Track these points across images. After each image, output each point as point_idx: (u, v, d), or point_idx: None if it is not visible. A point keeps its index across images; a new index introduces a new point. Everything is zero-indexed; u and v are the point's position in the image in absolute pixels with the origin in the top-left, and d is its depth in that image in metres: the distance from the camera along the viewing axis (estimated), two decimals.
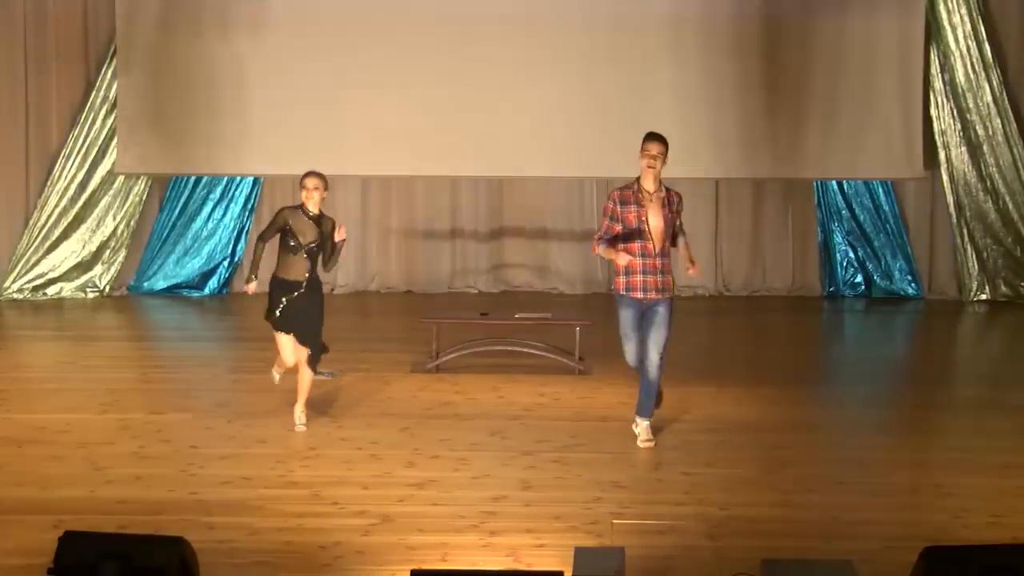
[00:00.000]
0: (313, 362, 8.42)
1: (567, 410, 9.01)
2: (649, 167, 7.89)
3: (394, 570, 6.07)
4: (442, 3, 12.42)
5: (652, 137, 7.95)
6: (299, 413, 8.45)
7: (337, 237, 8.26)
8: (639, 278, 7.93)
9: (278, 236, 8.26)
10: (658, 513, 6.97)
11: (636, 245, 7.89)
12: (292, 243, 8.21)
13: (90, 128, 12.95)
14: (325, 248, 8.29)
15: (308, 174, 8.25)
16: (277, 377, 8.76)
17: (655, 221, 7.89)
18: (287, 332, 8.36)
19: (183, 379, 9.96)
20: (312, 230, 8.22)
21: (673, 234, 8.03)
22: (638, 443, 8.11)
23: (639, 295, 7.94)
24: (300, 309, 8.30)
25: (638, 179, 7.96)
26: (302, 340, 8.37)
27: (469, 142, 12.39)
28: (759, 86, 12.41)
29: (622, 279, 7.98)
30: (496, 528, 6.73)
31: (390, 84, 12.37)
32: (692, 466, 7.76)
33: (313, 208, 8.20)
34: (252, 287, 8.43)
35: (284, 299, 8.28)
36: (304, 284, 8.27)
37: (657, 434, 8.25)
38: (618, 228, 7.92)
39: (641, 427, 8.18)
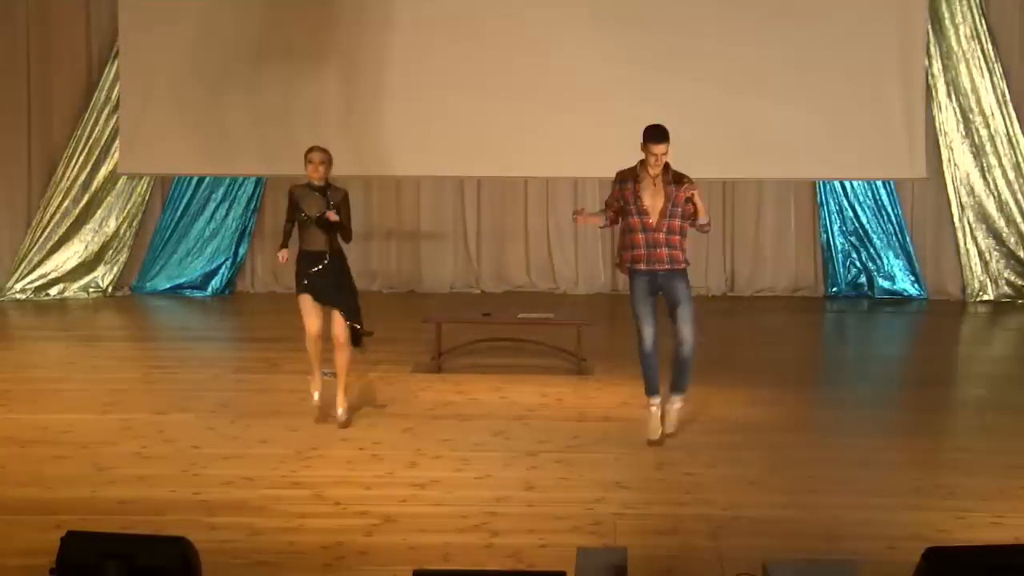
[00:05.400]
0: (353, 317, 8.40)
1: (570, 410, 9.01)
2: (654, 166, 7.94)
3: (396, 570, 6.07)
4: (443, 3, 12.41)
5: (656, 138, 7.89)
6: (339, 407, 8.52)
7: (331, 217, 8.33)
8: (642, 251, 8.03)
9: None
10: (660, 513, 6.98)
11: (636, 220, 8.01)
12: (304, 216, 8.35)
13: (93, 128, 12.97)
14: (340, 217, 8.37)
15: (312, 149, 8.40)
16: (316, 396, 8.62)
17: (652, 197, 7.98)
18: (312, 295, 8.37)
19: (185, 379, 9.96)
20: (319, 201, 8.33)
21: (686, 213, 8.04)
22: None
23: (643, 266, 8.02)
24: (327, 279, 8.36)
25: (642, 162, 8.02)
26: (337, 307, 8.39)
27: (471, 142, 12.37)
28: (761, 86, 12.39)
29: (628, 254, 8.10)
30: (498, 528, 6.73)
31: (391, 84, 12.37)
32: (694, 466, 7.76)
33: (318, 180, 8.32)
34: (283, 254, 8.46)
35: (309, 272, 8.36)
36: (327, 255, 8.35)
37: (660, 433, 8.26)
38: (616, 205, 8.10)
39: (673, 401, 8.24)
